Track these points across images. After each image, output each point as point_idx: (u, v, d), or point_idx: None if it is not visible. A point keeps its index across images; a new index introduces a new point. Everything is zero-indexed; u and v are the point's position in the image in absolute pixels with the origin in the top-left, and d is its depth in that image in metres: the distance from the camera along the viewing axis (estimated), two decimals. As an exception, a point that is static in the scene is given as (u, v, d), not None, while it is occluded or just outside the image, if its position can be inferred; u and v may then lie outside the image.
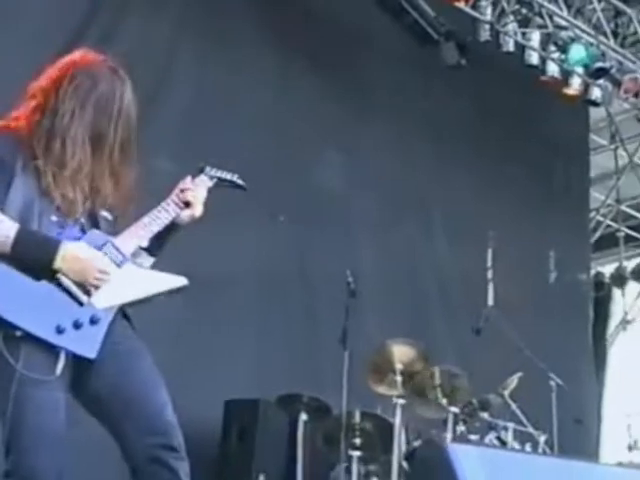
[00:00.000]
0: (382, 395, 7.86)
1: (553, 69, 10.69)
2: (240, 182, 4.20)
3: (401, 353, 7.78)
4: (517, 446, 7.90)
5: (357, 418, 7.60)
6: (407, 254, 10.14)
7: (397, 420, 7.60)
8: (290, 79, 9.53)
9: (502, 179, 11.36)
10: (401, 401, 7.67)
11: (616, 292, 16.70)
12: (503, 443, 7.86)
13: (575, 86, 10.87)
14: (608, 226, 16.28)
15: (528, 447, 7.99)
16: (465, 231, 10.23)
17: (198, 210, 3.89)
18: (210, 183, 4.03)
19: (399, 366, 7.74)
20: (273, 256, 9.02)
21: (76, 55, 3.83)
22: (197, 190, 3.94)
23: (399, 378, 7.72)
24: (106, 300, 3.58)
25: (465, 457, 2.77)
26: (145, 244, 3.79)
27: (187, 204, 3.88)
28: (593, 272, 15.40)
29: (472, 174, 11.01)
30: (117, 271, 3.63)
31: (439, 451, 2.75)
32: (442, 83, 10.40)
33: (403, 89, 10.47)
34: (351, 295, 7.50)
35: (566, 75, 10.76)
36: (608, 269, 16.68)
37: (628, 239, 16.62)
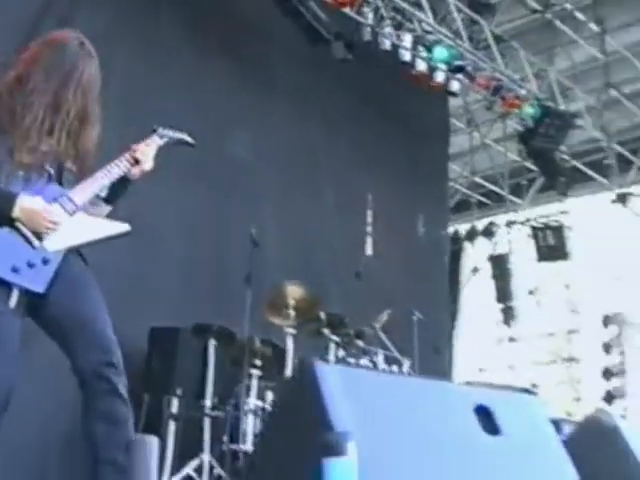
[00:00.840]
0: (278, 325, 7.90)
1: (421, 65, 10.75)
2: (189, 140, 4.18)
3: (293, 292, 7.81)
4: (386, 368, 8.00)
5: (257, 344, 7.63)
6: (302, 214, 10.16)
7: (289, 346, 7.68)
8: (209, 69, 9.45)
9: (379, 153, 11.42)
10: (292, 331, 7.73)
11: (468, 246, 17.01)
12: (375, 365, 7.95)
13: (438, 79, 10.95)
14: (463, 193, 16.58)
15: (395, 369, 8.10)
16: (349, 195, 10.27)
17: (147, 165, 3.88)
18: (161, 142, 4.01)
19: (291, 302, 7.78)
20: (194, 213, 9.00)
21: (54, 32, 3.82)
22: (147, 148, 3.90)
23: (291, 312, 7.77)
24: (57, 244, 3.58)
25: (329, 374, 2.81)
26: (103, 194, 3.78)
27: (138, 161, 3.84)
28: (451, 230, 15.64)
29: (355, 149, 11.06)
30: (69, 219, 3.62)
31: (308, 369, 2.78)
32: (332, 74, 10.40)
33: (301, 78, 10.47)
34: (254, 245, 7.50)
35: (431, 70, 10.83)
36: (463, 227, 16.98)
37: (479, 204, 16.91)
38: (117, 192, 3.86)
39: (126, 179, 3.86)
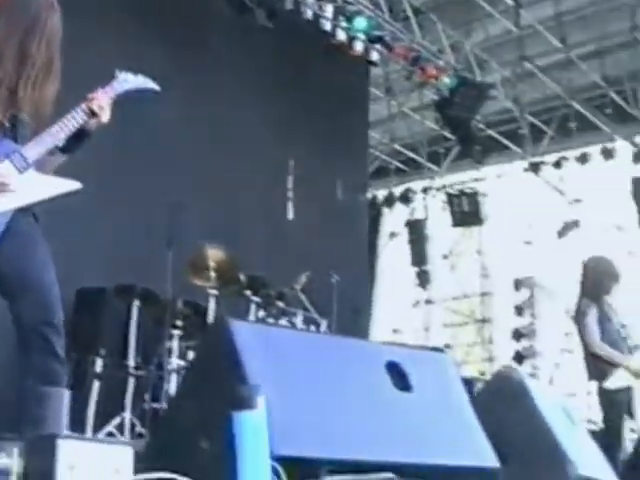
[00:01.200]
0: (201, 287, 7.92)
1: (341, 35, 10.81)
2: (153, 86, 3.96)
3: (214, 254, 7.82)
4: (304, 328, 8.08)
5: (180, 305, 7.66)
6: (224, 179, 10.14)
7: (211, 307, 7.72)
8: (135, 37, 9.37)
9: (301, 120, 11.45)
10: (214, 292, 7.78)
11: (386, 211, 17.18)
12: (293, 326, 8.03)
13: (357, 49, 11.03)
14: (382, 160, 16.72)
15: (312, 329, 8.19)
16: (271, 160, 10.29)
17: (104, 117, 3.68)
18: (120, 90, 3.78)
19: (212, 264, 7.80)
20: (118, 178, 8.94)
21: None
22: (103, 99, 3.71)
23: (212, 274, 7.79)
24: (3, 205, 3.52)
25: (243, 331, 2.87)
26: (60, 144, 3.67)
27: (94, 113, 3.68)
28: (369, 196, 15.76)
29: (277, 116, 11.07)
30: (19, 177, 3.54)
31: (223, 326, 2.83)
32: (255, 42, 10.40)
33: (229, 47, 10.46)
34: (176, 210, 7.48)
35: (351, 40, 10.89)
36: (381, 193, 17.14)
37: (397, 171, 17.09)
38: (74, 144, 3.74)
39: (83, 131, 3.70)
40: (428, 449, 3.16)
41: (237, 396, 2.38)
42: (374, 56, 11.37)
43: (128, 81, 3.83)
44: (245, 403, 2.33)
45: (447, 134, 14.80)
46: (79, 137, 3.70)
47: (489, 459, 3.31)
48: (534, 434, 3.73)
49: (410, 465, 3.04)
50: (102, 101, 3.70)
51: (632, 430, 6.25)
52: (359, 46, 10.98)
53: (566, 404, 4.30)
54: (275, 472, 2.36)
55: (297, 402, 2.81)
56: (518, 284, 14.96)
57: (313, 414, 2.84)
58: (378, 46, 11.22)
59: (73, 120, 3.63)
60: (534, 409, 3.83)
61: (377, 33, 10.99)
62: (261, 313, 8.04)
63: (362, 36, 10.88)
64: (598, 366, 6.40)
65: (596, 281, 6.72)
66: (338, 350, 3.28)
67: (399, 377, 3.31)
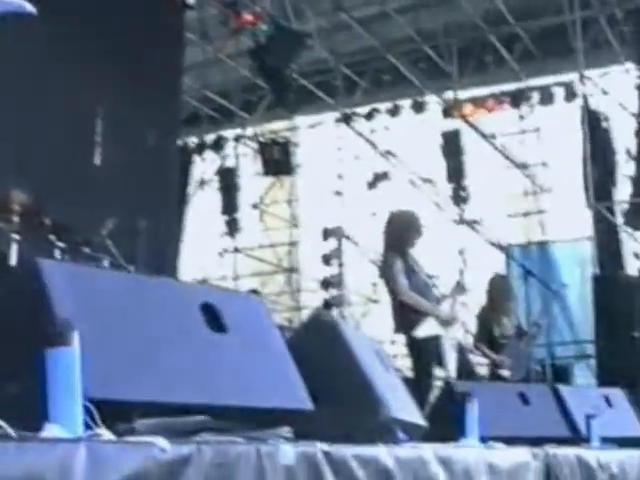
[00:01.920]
0: (3, 231, 7.61)
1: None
2: (27, 7, 3.56)
3: (17, 197, 7.53)
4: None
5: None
6: (30, 123, 9.75)
7: (13, 251, 7.44)
8: None
9: (110, 65, 11.06)
10: (16, 236, 7.49)
11: (197, 159, 17.02)
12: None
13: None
14: (194, 107, 16.47)
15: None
16: (81, 104, 9.96)
17: None
18: None
19: (15, 208, 7.50)
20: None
21: None
22: None
23: (15, 218, 7.50)
24: None
25: (52, 269, 2.75)
26: None
27: None
28: (180, 142, 15.53)
29: (87, 61, 10.62)
30: None
31: (31, 265, 2.71)
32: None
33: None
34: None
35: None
36: (192, 140, 16.93)
37: (209, 118, 16.90)
38: None
39: None
40: (243, 391, 3.13)
41: (49, 332, 2.26)
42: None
43: None
44: (58, 339, 2.22)
45: (261, 82, 14.72)
46: None
47: (303, 401, 3.31)
48: (348, 376, 3.76)
49: (224, 407, 3.00)
50: None
51: (439, 378, 6.44)
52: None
53: (379, 348, 4.37)
54: (88, 413, 2.27)
55: (109, 343, 2.72)
56: (326, 234, 15.13)
57: (126, 356, 2.76)
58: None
59: None
60: (348, 352, 3.86)
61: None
62: (67, 259, 7.81)
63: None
64: (407, 315, 6.52)
65: (400, 234, 6.77)
66: (152, 290, 3.19)
67: (214, 318, 3.25)
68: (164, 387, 2.85)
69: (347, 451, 2.97)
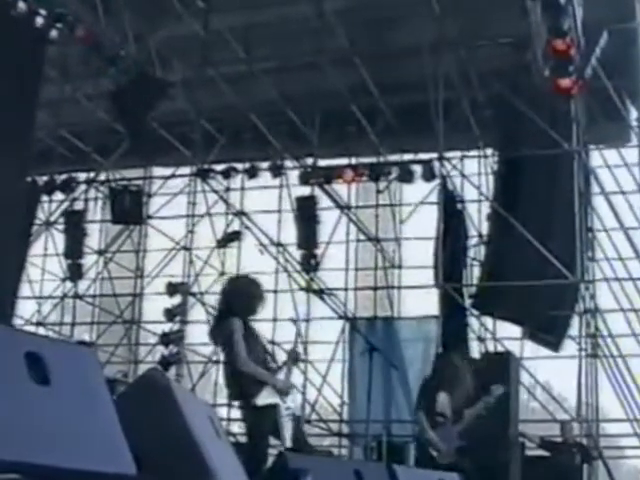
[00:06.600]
0: None
1: (22, 5, 10.37)
2: None
3: None
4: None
5: None
6: None
7: None
8: None
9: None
10: None
11: (44, 198, 16.50)
12: None
13: (38, 23, 10.62)
14: (47, 144, 15.99)
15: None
16: None
17: None
18: None
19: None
20: None
21: None
22: None
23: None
24: None
25: None
26: None
27: None
28: (29, 179, 15.02)
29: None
30: None
31: None
32: None
33: None
34: None
35: (33, 13, 10.47)
36: (42, 179, 16.38)
37: (61, 157, 16.40)
38: None
39: None
40: (60, 450, 2.92)
41: None
42: (53, 34, 10.94)
43: None
44: None
45: (118, 127, 14.44)
46: None
47: (126, 465, 3.13)
48: (177, 442, 3.61)
49: (40, 466, 2.80)
50: None
51: (274, 446, 6.32)
52: (39, 21, 10.55)
53: (212, 413, 4.22)
54: None
55: None
56: (171, 288, 14.84)
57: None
58: (59, 24, 10.81)
59: None
60: (179, 416, 3.71)
61: (60, 10, 10.59)
62: None
63: (44, 11, 10.47)
64: (246, 384, 6.38)
65: (241, 300, 6.63)
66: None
67: (38, 369, 3.05)
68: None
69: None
